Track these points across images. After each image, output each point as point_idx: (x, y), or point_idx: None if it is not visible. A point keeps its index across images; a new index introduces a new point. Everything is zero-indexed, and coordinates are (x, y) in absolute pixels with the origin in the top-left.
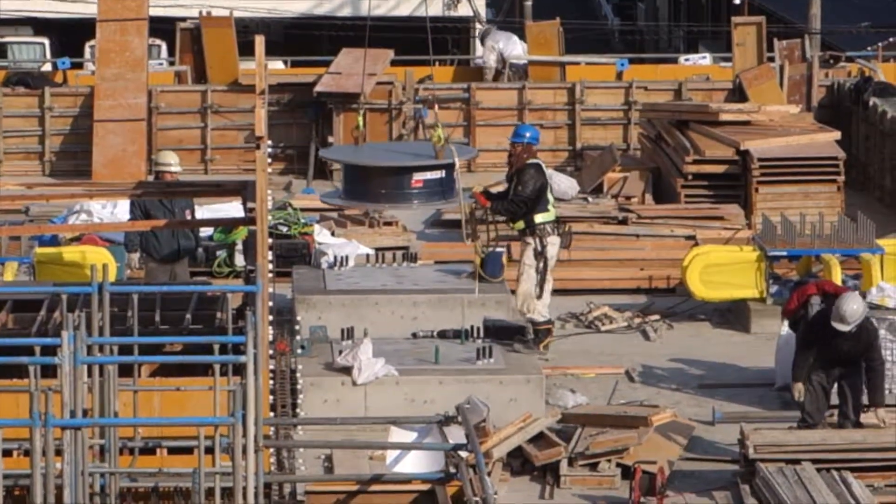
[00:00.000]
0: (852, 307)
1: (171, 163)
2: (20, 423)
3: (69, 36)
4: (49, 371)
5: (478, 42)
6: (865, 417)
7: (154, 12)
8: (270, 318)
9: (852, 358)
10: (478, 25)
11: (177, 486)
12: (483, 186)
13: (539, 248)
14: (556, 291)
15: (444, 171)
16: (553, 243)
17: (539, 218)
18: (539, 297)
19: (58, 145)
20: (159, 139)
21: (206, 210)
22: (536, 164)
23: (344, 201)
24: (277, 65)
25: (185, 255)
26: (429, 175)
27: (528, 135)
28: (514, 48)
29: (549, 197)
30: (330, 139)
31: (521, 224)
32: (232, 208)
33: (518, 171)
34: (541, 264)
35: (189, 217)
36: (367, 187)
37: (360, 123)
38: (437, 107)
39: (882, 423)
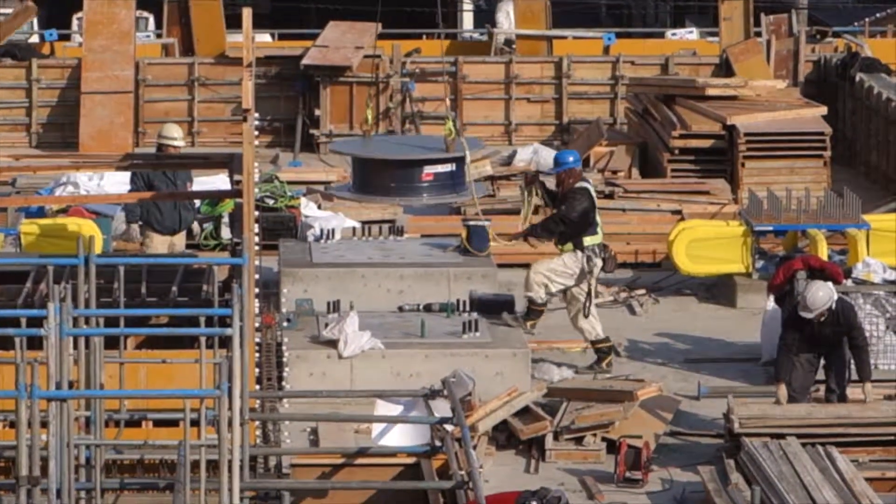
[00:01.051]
0: (816, 295)
1: (176, 136)
2: (6, 395)
3: (57, 8)
4: (35, 343)
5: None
6: (852, 393)
7: None
8: (256, 290)
9: (836, 340)
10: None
11: (162, 458)
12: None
13: (587, 267)
14: None
15: (454, 164)
16: (598, 265)
17: (588, 240)
18: (587, 315)
19: (45, 117)
20: (146, 111)
21: (193, 183)
22: (584, 188)
23: (354, 195)
24: (265, 38)
25: (185, 228)
26: (440, 168)
27: (570, 159)
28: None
29: (598, 220)
30: (317, 112)
31: (570, 246)
32: (219, 181)
33: (565, 194)
34: (589, 285)
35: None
36: (377, 181)
37: (370, 117)
38: (448, 100)
39: (867, 397)
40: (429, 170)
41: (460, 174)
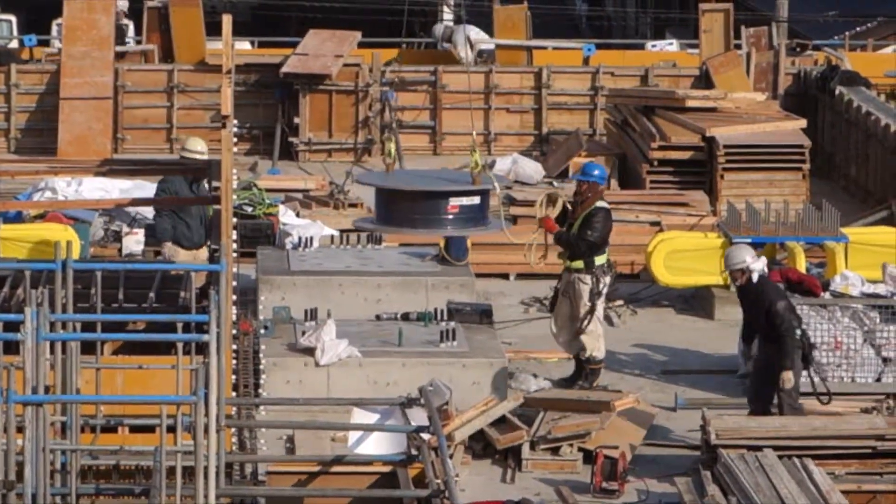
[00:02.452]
0: (732, 251)
1: (201, 150)
2: None
3: (36, 13)
4: (11, 347)
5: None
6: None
7: None
8: (234, 297)
9: (759, 319)
10: (445, 9)
11: (138, 464)
12: (555, 195)
13: (596, 288)
14: (520, 276)
15: (479, 197)
16: (607, 284)
17: (599, 259)
18: (584, 332)
19: (23, 122)
20: (125, 118)
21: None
22: (606, 210)
23: (376, 226)
24: (244, 45)
25: (206, 243)
26: (465, 201)
27: (596, 173)
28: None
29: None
30: (296, 120)
31: (579, 263)
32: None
33: (588, 215)
34: (594, 305)
35: None
36: (401, 213)
37: (391, 150)
38: (475, 133)
39: (783, 384)
40: (454, 202)
41: (485, 207)
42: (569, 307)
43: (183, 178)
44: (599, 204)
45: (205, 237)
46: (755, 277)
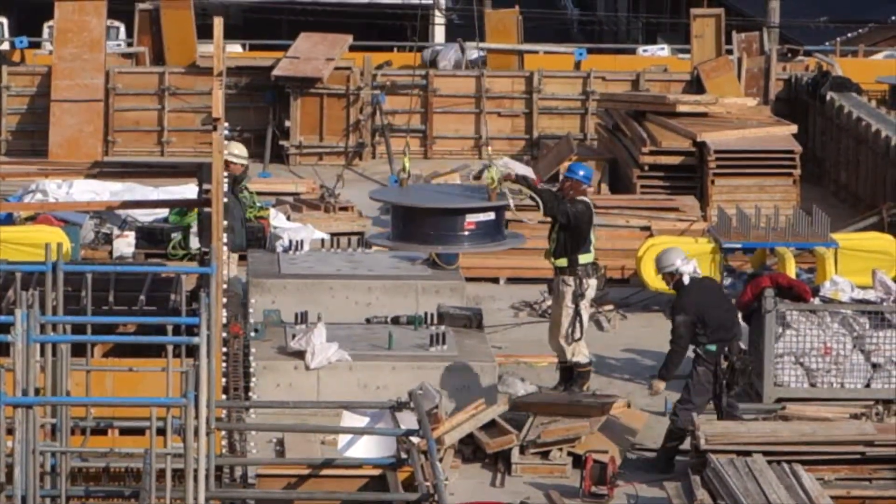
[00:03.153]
0: (662, 255)
1: (241, 154)
2: None
3: (27, 15)
4: (2, 349)
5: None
6: None
7: None
8: (224, 300)
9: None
10: (436, 13)
11: (128, 466)
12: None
13: (578, 290)
14: (510, 280)
15: (495, 214)
16: (591, 285)
17: (582, 259)
18: (578, 339)
19: (14, 124)
20: (116, 120)
21: (162, 192)
22: (586, 202)
23: (393, 242)
24: (236, 48)
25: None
26: (482, 217)
27: (581, 173)
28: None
29: (592, 238)
30: (287, 123)
31: (563, 261)
32: (188, 191)
33: (570, 200)
34: (577, 307)
35: None
36: (417, 229)
37: (406, 165)
38: (490, 148)
39: (651, 391)
40: (471, 219)
41: (500, 223)
42: (558, 311)
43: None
44: (581, 198)
45: (246, 244)
46: (686, 280)
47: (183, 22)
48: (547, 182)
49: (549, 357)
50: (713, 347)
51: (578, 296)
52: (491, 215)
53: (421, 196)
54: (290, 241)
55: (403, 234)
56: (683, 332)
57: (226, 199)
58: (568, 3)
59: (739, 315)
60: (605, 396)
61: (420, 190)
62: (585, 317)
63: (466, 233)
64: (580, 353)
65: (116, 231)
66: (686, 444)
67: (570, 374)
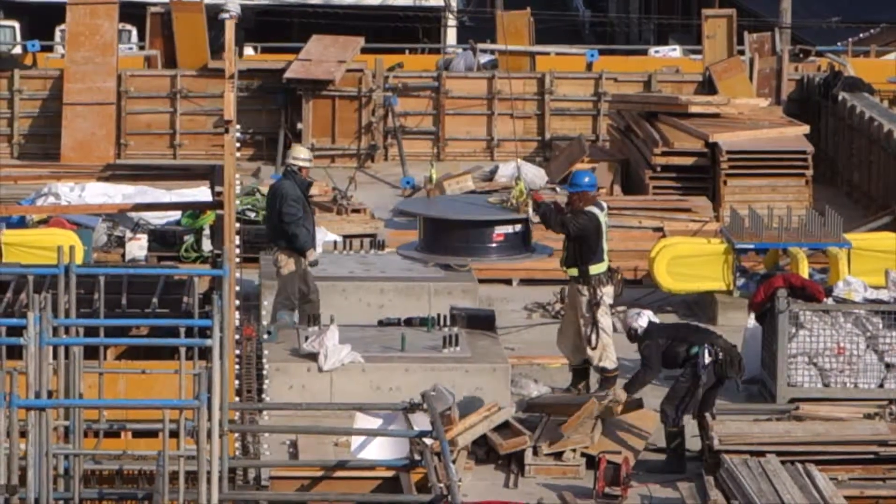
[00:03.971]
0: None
1: (307, 157)
2: None
3: (40, 19)
4: (14, 352)
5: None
6: None
7: None
8: (237, 302)
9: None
10: (449, 15)
11: (141, 469)
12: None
13: (594, 299)
14: (523, 282)
15: (522, 226)
16: (607, 293)
17: (594, 269)
18: (595, 347)
19: (27, 128)
20: (128, 124)
21: (174, 195)
22: (591, 213)
23: (422, 254)
24: (248, 51)
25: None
26: (510, 229)
27: (585, 181)
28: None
29: (604, 246)
30: (299, 125)
31: (574, 271)
32: (200, 193)
33: (575, 212)
34: (594, 315)
35: None
36: (447, 240)
37: (433, 176)
38: (518, 160)
39: (612, 397)
40: (500, 231)
41: (528, 235)
42: (572, 316)
43: (294, 184)
44: (588, 208)
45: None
46: (640, 331)
47: (194, 25)
48: (559, 183)
49: (562, 359)
50: (696, 350)
51: (594, 305)
52: (519, 227)
53: (450, 209)
54: None
55: (432, 245)
56: (654, 363)
57: (295, 204)
58: (579, 5)
59: (752, 315)
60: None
61: (447, 202)
62: (606, 323)
63: (495, 244)
64: (606, 359)
65: (129, 234)
66: (698, 445)
67: (583, 375)
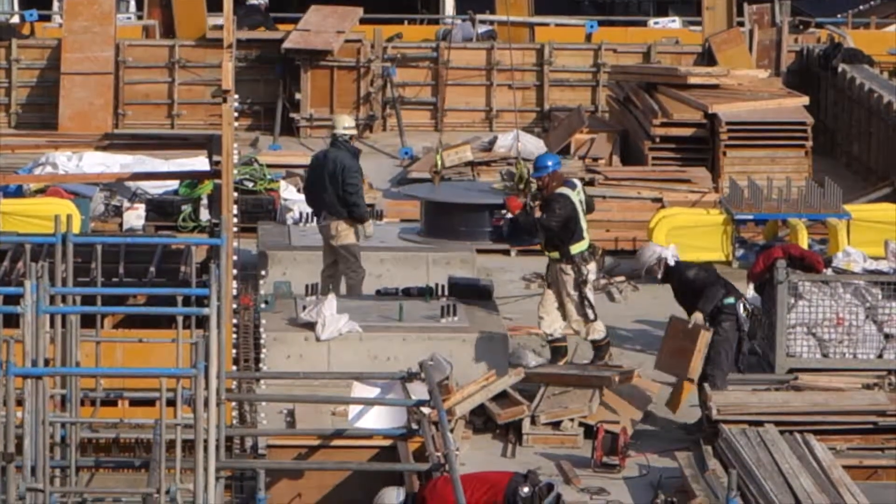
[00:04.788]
0: (642, 252)
1: (348, 125)
2: None
3: None
4: (11, 321)
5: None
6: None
7: None
8: (235, 272)
9: (688, 300)
10: None
11: (137, 437)
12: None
13: (580, 277)
14: (522, 252)
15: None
16: (591, 270)
17: (575, 248)
18: (594, 319)
19: (24, 97)
20: (126, 93)
21: (172, 164)
22: (564, 195)
23: (423, 238)
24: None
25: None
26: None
27: (549, 164)
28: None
29: (583, 225)
30: (297, 96)
31: (556, 253)
32: (198, 163)
33: (547, 200)
34: (581, 292)
35: None
36: (447, 224)
37: (440, 163)
38: (517, 131)
39: (694, 323)
40: (499, 214)
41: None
42: (556, 295)
43: (350, 153)
44: (559, 190)
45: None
46: (672, 262)
47: None
48: (560, 153)
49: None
50: (732, 300)
51: (581, 283)
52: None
53: (451, 193)
54: (301, 214)
55: (433, 229)
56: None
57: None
58: None
59: (751, 286)
60: (615, 367)
61: (451, 187)
62: (592, 297)
63: (494, 227)
64: (595, 331)
65: (126, 203)
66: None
67: (558, 352)
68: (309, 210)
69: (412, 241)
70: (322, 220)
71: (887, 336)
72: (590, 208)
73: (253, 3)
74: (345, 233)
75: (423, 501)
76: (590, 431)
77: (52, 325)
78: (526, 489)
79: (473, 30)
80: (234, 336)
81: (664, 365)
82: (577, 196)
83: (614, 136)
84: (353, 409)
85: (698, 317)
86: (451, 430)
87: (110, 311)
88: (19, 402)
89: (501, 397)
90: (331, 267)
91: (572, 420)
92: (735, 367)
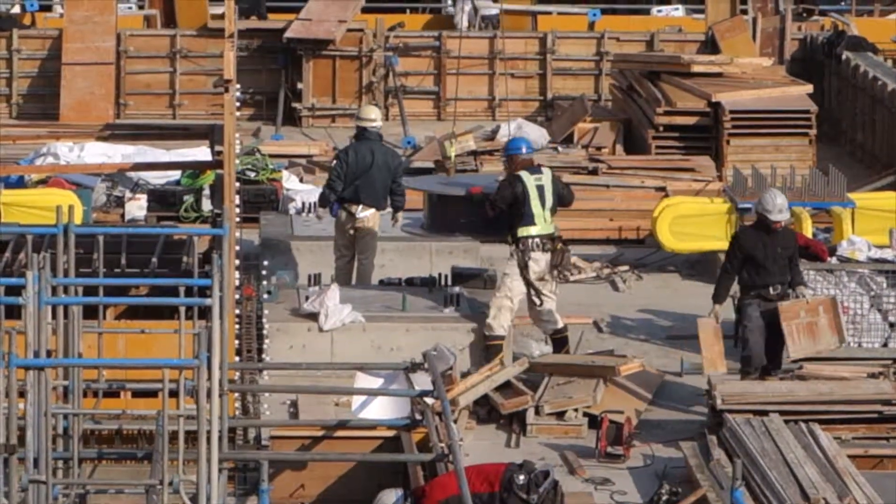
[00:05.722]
0: (781, 197)
1: (374, 117)
2: None
3: None
4: (13, 312)
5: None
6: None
7: None
8: (237, 262)
9: (784, 261)
10: None
11: (140, 428)
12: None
13: (521, 260)
14: None
15: None
16: (537, 259)
17: (521, 231)
18: (502, 306)
19: (25, 88)
20: (128, 83)
21: (174, 154)
22: (517, 176)
23: (426, 231)
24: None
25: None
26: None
27: (512, 147)
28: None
29: (535, 210)
30: (299, 85)
31: (508, 237)
32: (200, 153)
33: (502, 181)
34: (526, 278)
35: None
36: (449, 217)
37: (452, 154)
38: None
39: (803, 296)
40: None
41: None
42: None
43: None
44: (518, 172)
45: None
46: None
47: None
48: (561, 143)
49: (565, 318)
50: None
51: (522, 266)
52: None
53: (453, 185)
54: (303, 203)
55: (435, 222)
56: None
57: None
58: None
59: None
60: (619, 357)
61: (455, 180)
62: (517, 288)
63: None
64: (499, 325)
65: (128, 194)
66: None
67: (561, 343)
68: (312, 200)
69: (417, 235)
70: (360, 211)
71: (892, 325)
72: (563, 200)
73: None
74: (377, 223)
75: (424, 493)
76: (594, 421)
77: (55, 316)
78: (522, 477)
79: (475, 16)
80: (237, 326)
81: (800, 352)
82: (534, 181)
83: (617, 125)
84: (357, 400)
85: (803, 290)
86: (455, 421)
87: (112, 301)
88: (21, 394)
89: (505, 387)
90: (348, 259)
91: (576, 410)
92: None
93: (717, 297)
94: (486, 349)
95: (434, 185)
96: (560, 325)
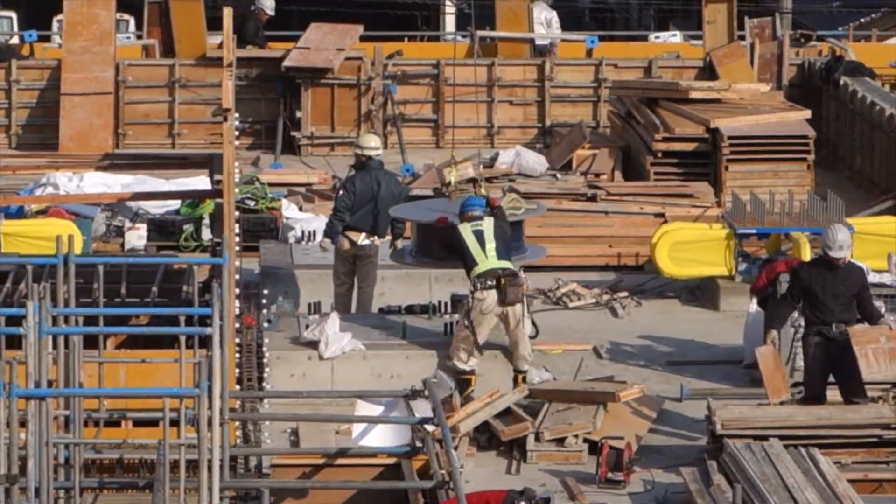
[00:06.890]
0: (843, 232)
1: (374, 145)
2: None
3: (36, 9)
4: (14, 342)
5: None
6: (872, 329)
7: None
8: (237, 291)
9: (847, 299)
10: (447, 2)
11: (141, 458)
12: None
13: (469, 300)
14: (524, 269)
15: (513, 229)
16: (481, 298)
17: (470, 274)
18: (460, 346)
19: (24, 118)
20: (127, 113)
21: (173, 184)
22: (453, 226)
23: (415, 259)
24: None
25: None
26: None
27: (462, 205)
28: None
29: (475, 253)
30: (298, 114)
31: None
32: (199, 182)
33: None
34: (469, 319)
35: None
36: (435, 245)
37: (453, 180)
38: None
39: (887, 325)
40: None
41: (519, 238)
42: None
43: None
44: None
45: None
46: (848, 256)
47: (192, 14)
48: (560, 169)
49: (564, 345)
50: None
51: (470, 304)
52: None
53: (439, 212)
54: (303, 232)
55: (422, 249)
56: None
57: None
58: None
59: (755, 301)
60: (619, 383)
61: (441, 206)
62: (477, 322)
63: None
64: (458, 359)
65: (128, 223)
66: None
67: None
68: (312, 229)
69: (406, 265)
70: (363, 239)
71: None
72: (500, 234)
73: (254, 10)
74: (378, 251)
75: None
76: (594, 447)
77: (55, 345)
78: (523, 503)
79: (474, 45)
80: (237, 355)
81: (877, 375)
82: (471, 228)
83: (616, 152)
84: (357, 428)
85: (888, 319)
86: (456, 448)
87: (113, 331)
88: (23, 424)
89: (505, 414)
90: (348, 287)
91: (576, 436)
92: None
93: (772, 323)
94: (458, 382)
95: (417, 212)
96: (523, 367)
